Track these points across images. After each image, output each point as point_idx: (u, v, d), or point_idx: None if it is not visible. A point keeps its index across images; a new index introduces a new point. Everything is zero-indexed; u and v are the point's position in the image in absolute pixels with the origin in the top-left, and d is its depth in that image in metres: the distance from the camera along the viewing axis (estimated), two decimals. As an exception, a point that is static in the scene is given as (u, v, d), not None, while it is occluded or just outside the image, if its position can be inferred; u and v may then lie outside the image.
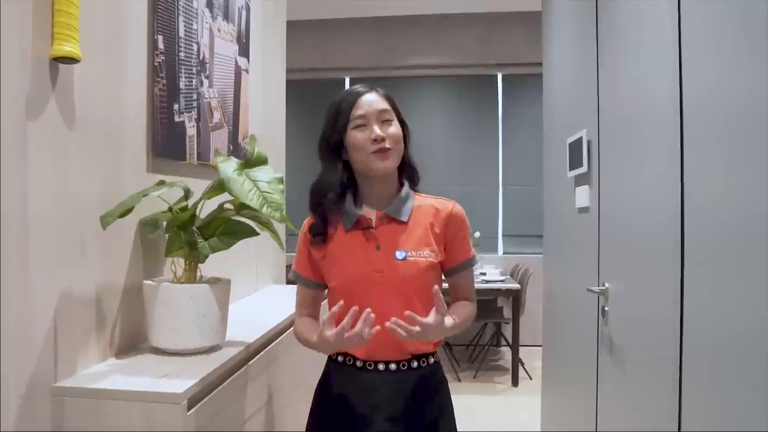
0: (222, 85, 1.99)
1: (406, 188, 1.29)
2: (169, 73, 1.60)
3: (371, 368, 1.26)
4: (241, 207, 1.43)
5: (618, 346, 1.66)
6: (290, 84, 5.70)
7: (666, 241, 1.29)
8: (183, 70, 1.68)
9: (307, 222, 1.34)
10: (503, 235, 5.68)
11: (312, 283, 1.36)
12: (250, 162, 1.37)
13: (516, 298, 4.30)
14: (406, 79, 5.72)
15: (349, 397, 1.26)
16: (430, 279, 1.24)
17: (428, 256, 1.23)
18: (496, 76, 5.68)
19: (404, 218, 1.25)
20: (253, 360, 1.54)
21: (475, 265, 1.34)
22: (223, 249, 1.38)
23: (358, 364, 1.27)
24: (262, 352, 1.65)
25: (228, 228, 1.39)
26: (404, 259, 1.22)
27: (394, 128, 1.24)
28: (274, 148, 2.70)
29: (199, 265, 1.48)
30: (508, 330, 4.69)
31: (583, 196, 2.04)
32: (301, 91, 5.45)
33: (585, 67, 2.01)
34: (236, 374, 1.40)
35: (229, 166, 1.31)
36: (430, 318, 1.12)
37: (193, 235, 1.38)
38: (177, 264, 1.43)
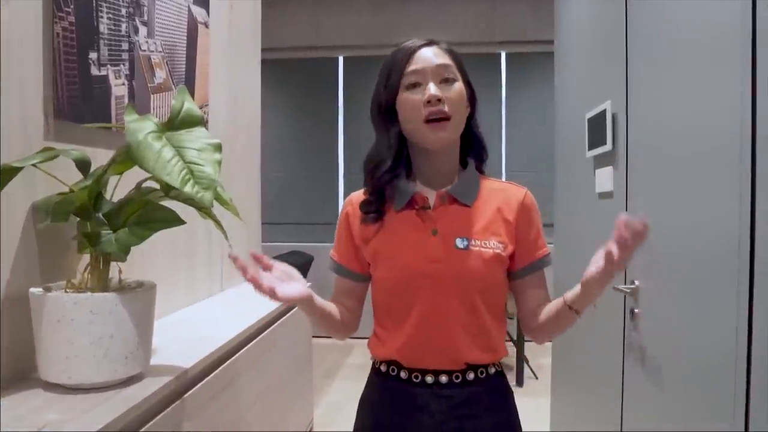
0: (169, 37, 1.59)
1: (471, 167, 1.12)
2: (81, 10, 1.20)
3: (417, 380, 1.05)
4: (170, 187, 1.05)
5: (652, 357, 1.43)
6: (280, 63, 5.33)
7: (726, 229, 1.04)
8: (105, 9, 1.28)
9: (349, 199, 1.14)
10: (507, 225, 5.32)
11: (352, 274, 1.13)
12: (174, 122, 0.98)
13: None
14: (404, 58, 5.32)
15: (393, 418, 1.06)
16: (495, 274, 1.06)
17: (495, 247, 1.05)
18: (500, 54, 5.29)
19: (469, 201, 1.07)
20: (191, 391, 1.17)
21: (550, 264, 1.11)
22: (135, 243, 0.99)
23: (403, 375, 1.06)
24: (210, 377, 1.28)
25: (144, 215, 1.00)
26: (466, 248, 1.04)
27: (457, 90, 1.05)
28: (243, 129, 2.31)
29: (121, 264, 1.11)
30: (512, 325, 4.31)
31: (605, 178, 1.80)
32: (292, 70, 5.04)
33: (609, 28, 1.76)
34: (158, 417, 1.02)
35: (142, 128, 0.93)
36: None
37: (98, 225, 0.99)
38: (75, 265, 1.04)
